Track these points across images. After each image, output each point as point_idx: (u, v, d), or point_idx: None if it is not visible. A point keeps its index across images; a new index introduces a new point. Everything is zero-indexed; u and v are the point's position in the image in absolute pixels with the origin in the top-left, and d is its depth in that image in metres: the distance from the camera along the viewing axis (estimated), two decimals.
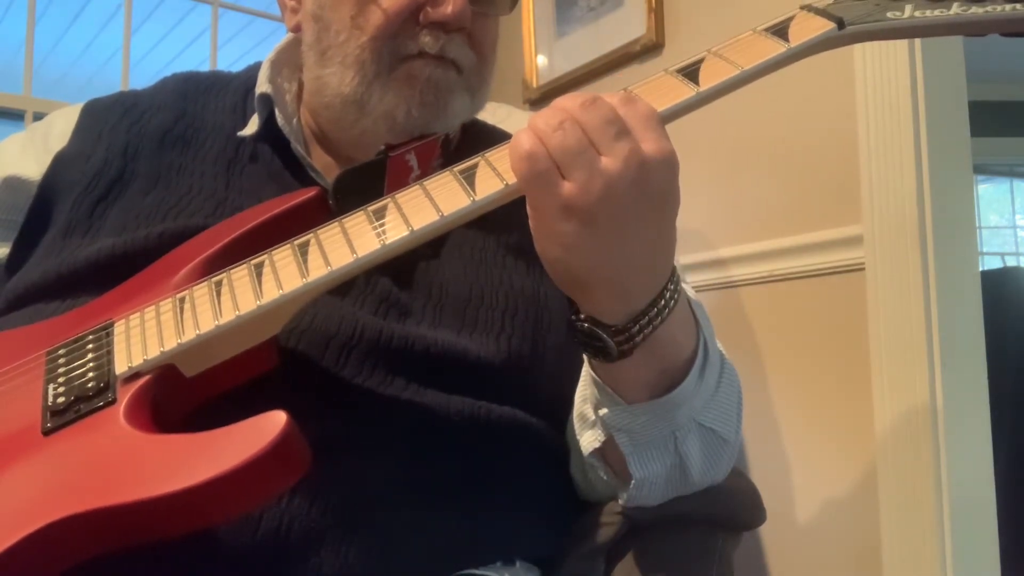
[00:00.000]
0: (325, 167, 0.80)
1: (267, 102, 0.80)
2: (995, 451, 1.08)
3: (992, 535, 1.05)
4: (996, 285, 1.93)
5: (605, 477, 0.71)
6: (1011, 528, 1.26)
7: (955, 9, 0.61)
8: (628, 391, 0.62)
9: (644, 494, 0.68)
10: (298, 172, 0.79)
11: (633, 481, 0.66)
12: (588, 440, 0.68)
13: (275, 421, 0.49)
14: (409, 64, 0.74)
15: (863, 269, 1.10)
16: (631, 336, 0.58)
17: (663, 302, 0.59)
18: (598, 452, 0.69)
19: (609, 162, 0.53)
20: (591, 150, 0.54)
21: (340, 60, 0.75)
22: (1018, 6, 0.60)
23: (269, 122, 0.80)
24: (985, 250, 4.47)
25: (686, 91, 0.59)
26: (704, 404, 0.65)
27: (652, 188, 0.54)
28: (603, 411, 0.64)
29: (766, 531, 1.21)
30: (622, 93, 0.58)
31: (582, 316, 0.59)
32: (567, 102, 0.55)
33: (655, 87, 0.60)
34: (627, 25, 1.51)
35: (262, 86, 0.80)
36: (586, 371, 0.68)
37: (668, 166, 0.55)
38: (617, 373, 0.62)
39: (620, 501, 0.70)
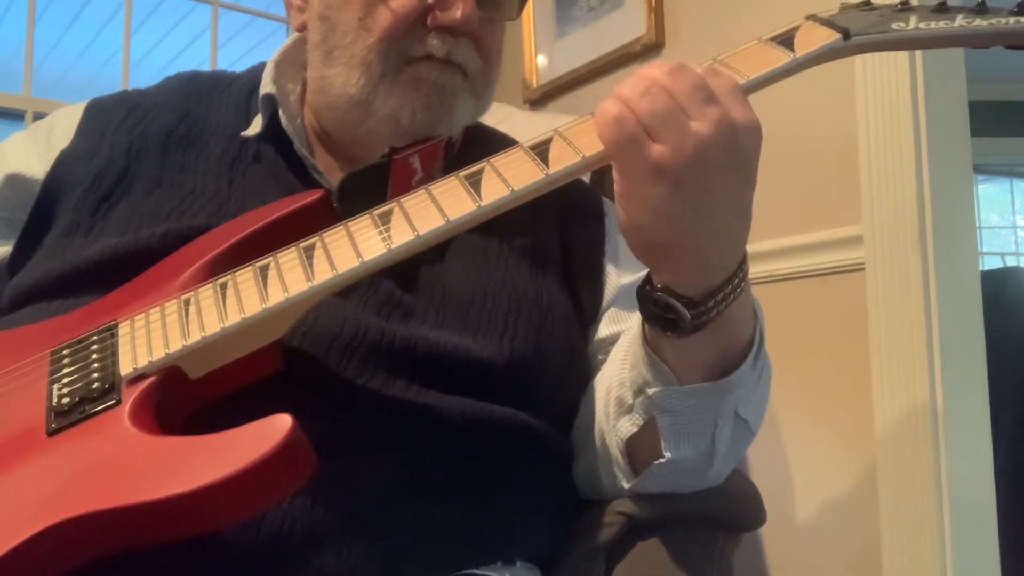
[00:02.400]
0: (328, 168, 0.80)
1: (271, 102, 0.80)
2: (995, 451, 1.08)
3: (992, 535, 1.06)
4: (996, 285, 1.93)
5: (616, 470, 0.71)
6: (1011, 528, 1.26)
7: (959, 21, 0.62)
8: (686, 371, 0.63)
9: (663, 475, 0.68)
10: (301, 173, 0.79)
11: (660, 461, 0.66)
12: (625, 426, 0.68)
13: (280, 425, 0.49)
14: (416, 67, 0.74)
15: (863, 269, 1.10)
16: (706, 310, 0.59)
17: (737, 280, 0.59)
18: (626, 443, 0.69)
19: (700, 125, 0.54)
20: (681, 114, 0.54)
21: (346, 61, 0.75)
22: (1022, 19, 0.61)
23: (273, 122, 0.80)
24: (985, 250, 4.47)
25: None
26: (748, 394, 0.66)
27: (741, 155, 0.55)
28: (653, 390, 0.64)
29: (766, 531, 1.21)
30: (707, 64, 0.60)
31: (657, 286, 0.60)
32: (651, 70, 0.56)
33: None
34: (627, 25, 1.51)
35: (266, 87, 0.80)
36: (627, 352, 0.69)
37: (756, 134, 0.56)
38: (678, 349, 0.62)
39: (627, 486, 0.71)
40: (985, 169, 4.47)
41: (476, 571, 0.65)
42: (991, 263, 4.45)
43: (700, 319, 0.59)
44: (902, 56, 1.07)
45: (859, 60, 1.11)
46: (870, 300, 1.09)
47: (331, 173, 0.79)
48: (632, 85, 0.56)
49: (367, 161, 0.73)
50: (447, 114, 0.75)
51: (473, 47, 0.76)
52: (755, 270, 1.25)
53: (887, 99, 1.08)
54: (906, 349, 1.04)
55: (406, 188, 0.76)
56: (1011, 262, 4.57)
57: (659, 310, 0.60)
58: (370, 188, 0.71)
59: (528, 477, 0.72)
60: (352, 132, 0.78)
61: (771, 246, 1.23)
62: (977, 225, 3.77)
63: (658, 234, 0.57)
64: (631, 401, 0.67)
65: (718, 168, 0.55)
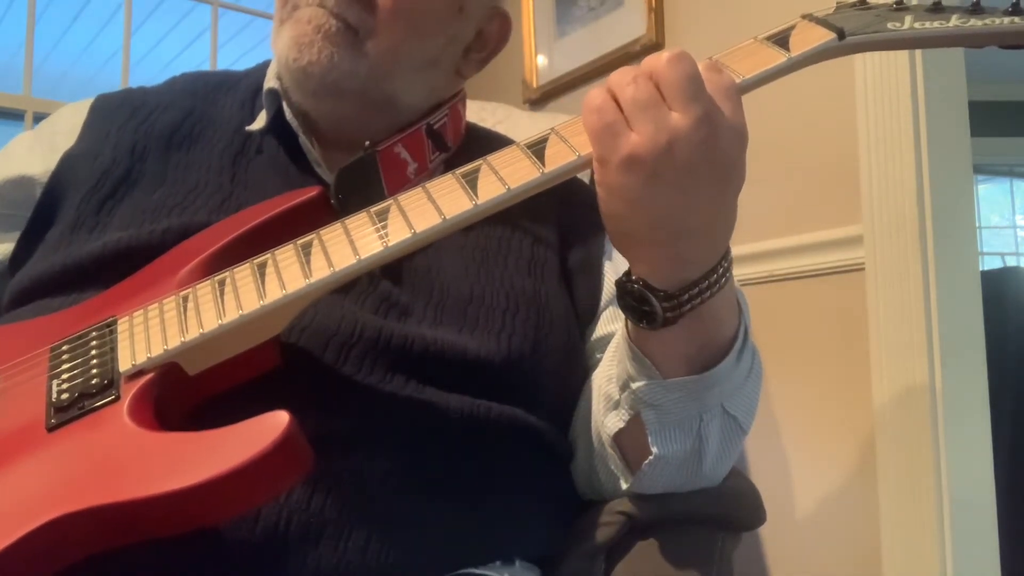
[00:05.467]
0: (329, 160, 0.80)
1: (275, 97, 0.80)
2: (995, 451, 1.08)
3: (992, 534, 1.06)
4: (996, 285, 1.93)
5: (613, 468, 0.71)
6: (1011, 527, 1.27)
7: (954, 21, 0.62)
8: (666, 364, 0.63)
9: (656, 474, 0.68)
10: (304, 166, 0.79)
11: (650, 459, 0.66)
12: (611, 422, 0.69)
13: (278, 421, 0.50)
14: (298, 11, 0.76)
15: (863, 269, 1.10)
16: (680, 304, 0.59)
17: (715, 276, 0.59)
18: (615, 439, 0.69)
19: (679, 119, 0.54)
20: (662, 105, 0.55)
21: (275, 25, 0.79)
22: (1016, 19, 0.61)
23: (278, 117, 0.80)
24: (985, 250, 4.47)
25: None
26: (734, 389, 0.66)
27: (720, 154, 0.55)
28: (637, 384, 0.64)
29: (766, 531, 1.21)
30: (708, 60, 0.60)
31: (633, 277, 0.60)
32: (651, 60, 0.56)
33: None
34: (627, 25, 1.51)
35: (270, 81, 0.81)
36: (616, 348, 0.69)
37: (739, 136, 0.56)
38: (658, 343, 0.63)
39: (624, 486, 0.71)
40: (985, 169, 4.47)
41: (475, 570, 0.66)
42: (991, 263, 4.45)
43: (673, 312, 0.59)
44: (902, 56, 1.07)
45: (859, 60, 1.11)
46: (870, 300, 1.09)
47: (332, 166, 0.79)
48: (622, 72, 0.57)
49: (351, 145, 0.74)
50: (318, 54, 0.74)
51: (361, 4, 0.74)
52: (755, 270, 1.25)
53: (887, 99, 1.08)
54: (906, 349, 1.04)
55: (402, 180, 0.77)
56: (1011, 262, 4.57)
57: (635, 301, 0.60)
58: (365, 183, 0.71)
59: (527, 475, 0.72)
60: (312, 106, 0.78)
61: (771, 246, 1.23)
62: (977, 225, 3.77)
63: (633, 225, 0.58)
64: (617, 397, 0.68)
65: (694, 163, 0.55)
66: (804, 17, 0.65)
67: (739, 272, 1.27)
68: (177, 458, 0.50)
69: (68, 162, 0.79)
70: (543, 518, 0.72)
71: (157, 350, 0.57)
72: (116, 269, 0.69)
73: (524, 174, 0.59)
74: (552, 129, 0.61)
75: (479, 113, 1.12)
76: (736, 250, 1.27)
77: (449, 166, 0.82)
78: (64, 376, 0.58)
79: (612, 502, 0.72)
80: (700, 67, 0.56)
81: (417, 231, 0.57)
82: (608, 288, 0.82)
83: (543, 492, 0.73)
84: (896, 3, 0.65)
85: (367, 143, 0.74)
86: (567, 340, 0.77)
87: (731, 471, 0.74)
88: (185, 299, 0.60)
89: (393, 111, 0.79)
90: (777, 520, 1.18)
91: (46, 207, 0.78)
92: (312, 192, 0.70)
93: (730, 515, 0.75)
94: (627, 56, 1.50)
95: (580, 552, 0.71)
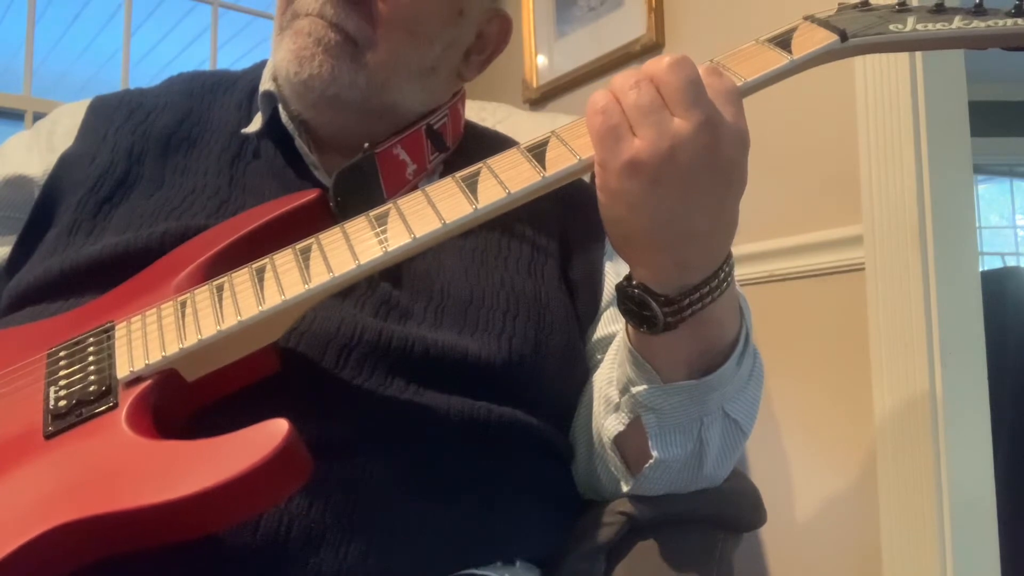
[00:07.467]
0: (326, 162, 0.80)
1: (271, 99, 0.80)
2: (995, 451, 1.08)
3: (992, 534, 1.06)
4: (996, 285, 1.92)
5: (614, 470, 0.71)
6: (1011, 527, 1.26)
7: (957, 23, 0.62)
8: (667, 368, 0.63)
9: (656, 477, 0.68)
10: (301, 168, 0.79)
11: (651, 462, 0.66)
12: (612, 424, 0.69)
13: (277, 429, 0.49)
14: (298, 22, 0.75)
15: (863, 269, 1.10)
16: (680, 309, 0.59)
17: (716, 281, 0.59)
18: (615, 441, 0.69)
19: (681, 124, 0.54)
20: (664, 110, 0.55)
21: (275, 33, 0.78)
22: (1020, 21, 0.61)
23: (273, 119, 0.80)
24: (985, 250, 4.47)
25: None
26: (735, 393, 0.66)
27: (721, 159, 0.55)
28: (637, 389, 0.64)
29: (766, 531, 1.21)
30: (709, 64, 0.59)
31: (634, 282, 0.60)
32: (652, 64, 0.56)
33: None
34: (627, 25, 1.51)
35: (266, 83, 0.80)
36: (616, 351, 0.69)
37: (741, 141, 0.56)
38: (659, 348, 0.62)
39: (625, 488, 0.71)
40: (985, 169, 4.47)
41: (475, 571, 0.65)
42: (991, 263, 4.45)
43: (674, 317, 0.59)
44: (902, 56, 1.07)
45: (859, 60, 1.10)
46: (870, 300, 1.08)
47: (329, 168, 0.79)
48: (625, 76, 0.57)
49: (348, 148, 0.74)
50: (319, 66, 0.74)
51: (360, 14, 0.74)
52: (756, 270, 1.25)
53: (887, 99, 1.08)
54: (906, 349, 1.04)
55: (401, 181, 0.76)
56: (1011, 262, 4.57)
57: (635, 306, 0.60)
58: (364, 185, 0.71)
59: (527, 476, 0.72)
60: (311, 116, 0.78)
61: (771, 246, 1.23)
62: (977, 225, 3.76)
63: (634, 229, 0.58)
64: (617, 400, 0.68)
65: (695, 168, 0.55)
66: (806, 19, 0.64)
67: (739, 272, 1.26)
68: (175, 467, 0.50)
69: (66, 164, 0.79)
70: (544, 518, 0.72)
71: (155, 356, 0.57)
72: (114, 273, 0.68)
73: (525, 178, 0.58)
74: (553, 132, 0.61)
75: (479, 113, 1.12)
76: (736, 250, 1.26)
77: (448, 166, 0.82)
78: (62, 382, 0.58)
79: (613, 502, 0.72)
80: (701, 71, 0.56)
81: (417, 236, 0.57)
82: (609, 289, 0.81)
83: (544, 493, 0.73)
84: (898, 4, 0.65)
85: (366, 145, 0.74)
86: (567, 341, 0.77)
87: (732, 471, 0.74)
88: (183, 305, 0.60)
89: (393, 117, 0.79)
90: (777, 520, 1.18)
91: (43, 209, 0.78)
92: (311, 195, 0.70)
93: (731, 515, 0.75)
94: (627, 56, 1.50)
95: (580, 552, 0.71)
